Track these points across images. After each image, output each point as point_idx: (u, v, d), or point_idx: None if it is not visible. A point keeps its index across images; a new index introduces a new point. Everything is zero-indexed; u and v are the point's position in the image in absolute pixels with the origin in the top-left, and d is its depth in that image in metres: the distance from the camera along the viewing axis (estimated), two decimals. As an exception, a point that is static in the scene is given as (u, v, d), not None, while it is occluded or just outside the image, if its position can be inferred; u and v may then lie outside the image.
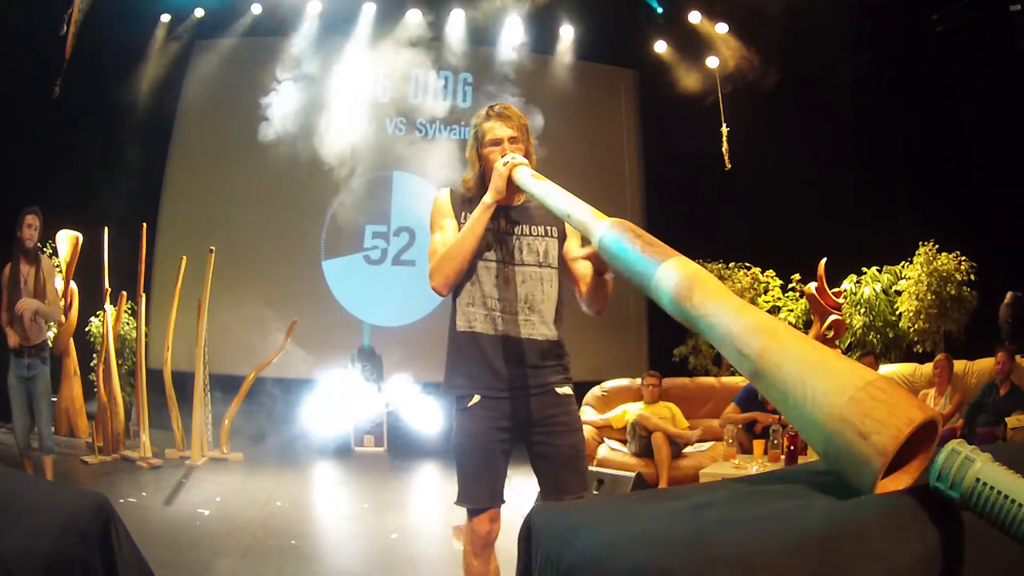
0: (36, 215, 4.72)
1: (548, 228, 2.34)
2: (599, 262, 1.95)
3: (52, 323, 5.12)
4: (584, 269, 2.28)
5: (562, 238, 2.35)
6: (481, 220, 2.20)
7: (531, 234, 2.32)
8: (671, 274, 1.50)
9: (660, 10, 9.11)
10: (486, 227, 2.23)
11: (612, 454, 5.92)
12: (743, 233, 8.22)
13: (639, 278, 1.58)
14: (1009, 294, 6.55)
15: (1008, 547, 1.07)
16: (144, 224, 6.86)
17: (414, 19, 9.06)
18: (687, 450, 5.84)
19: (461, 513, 2.31)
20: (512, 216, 2.32)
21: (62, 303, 6.02)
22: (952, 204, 6.75)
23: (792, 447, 4.64)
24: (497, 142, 2.27)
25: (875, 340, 7.35)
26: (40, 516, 1.67)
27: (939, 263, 6.95)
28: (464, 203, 2.32)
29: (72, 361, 7.15)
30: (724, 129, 8.37)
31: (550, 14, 9.12)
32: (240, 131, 8.95)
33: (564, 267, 2.35)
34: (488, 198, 2.20)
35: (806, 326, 7.07)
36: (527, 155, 2.28)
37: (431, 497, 5.96)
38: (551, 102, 8.81)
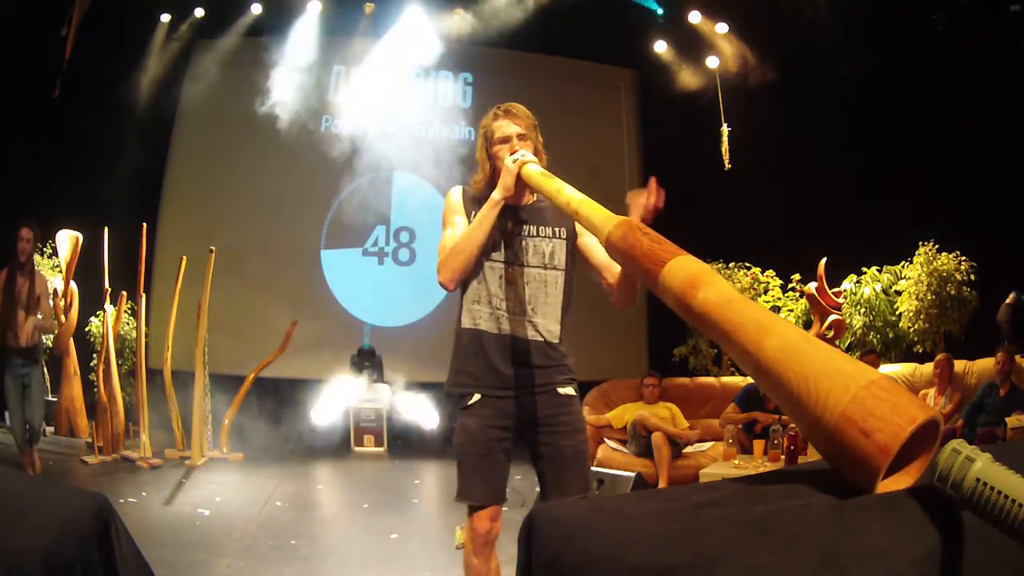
0: (31, 228, 4.98)
1: (556, 229, 2.33)
2: None
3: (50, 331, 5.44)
4: (606, 259, 2.27)
5: (572, 238, 2.35)
6: (489, 216, 2.20)
7: (538, 235, 2.32)
8: (676, 272, 1.51)
9: (660, 11, 9.11)
10: (495, 226, 2.23)
11: (612, 454, 5.92)
12: (743, 233, 8.22)
13: (645, 276, 1.59)
14: (1012, 295, 6.54)
15: (1008, 547, 1.07)
16: (144, 224, 6.86)
17: (414, 18, 9.06)
18: (687, 450, 5.84)
19: (462, 515, 2.31)
20: (521, 216, 2.32)
21: (62, 303, 6.07)
22: (952, 204, 6.75)
23: (792, 447, 4.64)
24: (506, 140, 2.29)
25: (875, 340, 7.36)
26: (40, 516, 1.66)
27: (939, 263, 6.95)
28: (474, 201, 2.33)
29: (72, 361, 7.15)
30: (724, 129, 8.37)
31: (550, 14, 9.12)
32: (240, 131, 8.97)
33: (584, 262, 2.35)
34: (496, 194, 2.20)
35: (806, 326, 7.07)
36: (536, 153, 2.29)
37: (431, 497, 5.96)
38: (551, 102, 8.81)
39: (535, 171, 2.14)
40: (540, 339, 2.28)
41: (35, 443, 5.08)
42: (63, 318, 6.10)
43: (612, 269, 2.26)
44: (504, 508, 2.30)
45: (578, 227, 2.35)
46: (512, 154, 2.23)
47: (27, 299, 4.88)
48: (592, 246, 2.33)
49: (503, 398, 2.25)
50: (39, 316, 4.98)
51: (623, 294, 2.21)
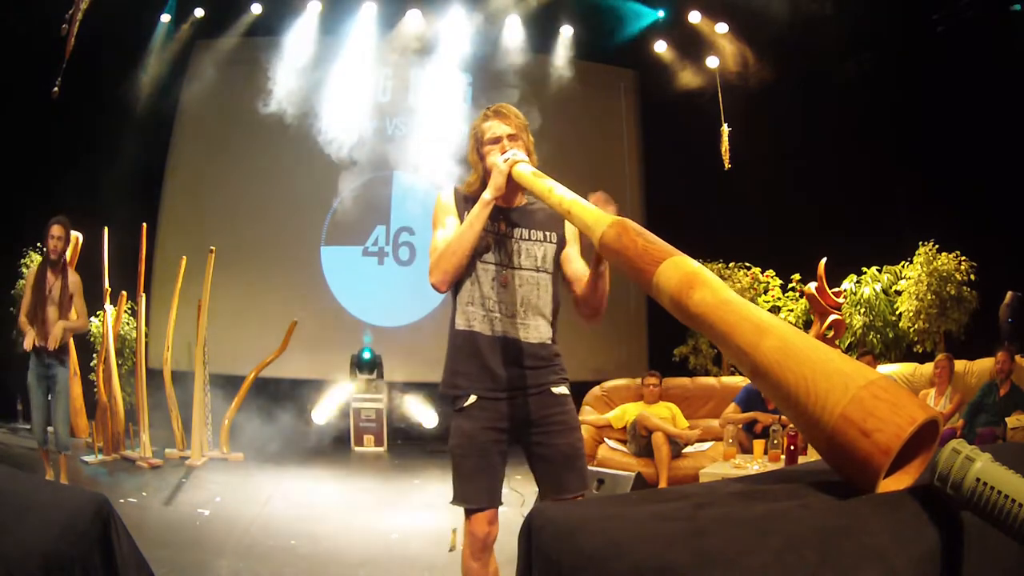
0: (62, 225, 4.85)
1: (547, 233, 2.33)
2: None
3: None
4: (580, 272, 2.29)
5: (560, 244, 2.35)
6: (480, 216, 2.19)
7: (530, 239, 2.31)
8: (671, 273, 1.50)
9: (661, 14, 9.12)
10: (486, 228, 2.22)
11: (612, 454, 5.92)
12: (743, 233, 8.22)
13: (640, 277, 1.58)
14: (1009, 294, 6.55)
15: (1008, 547, 1.07)
16: (144, 224, 6.86)
17: (414, 19, 9.06)
18: (687, 450, 5.84)
19: (461, 516, 2.30)
20: (512, 219, 2.32)
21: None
22: (952, 204, 6.75)
23: (792, 447, 4.64)
24: (496, 140, 2.27)
25: (875, 340, 7.35)
26: (40, 516, 1.66)
27: (939, 263, 6.95)
28: (466, 202, 2.31)
29: (72, 361, 7.12)
30: (724, 129, 8.36)
31: (550, 14, 9.12)
32: (240, 131, 8.96)
33: (560, 272, 2.35)
34: (487, 194, 2.19)
35: (806, 326, 7.07)
36: (527, 153, 2.27)
37: (431, 497, 5.96)
38: (551, 102, 8.81)
39: (526, 171, 2.13)
40: (533, 340, 2.28)
41: (64, 451, 4.93)
42: (90, 325, 6.08)
43: (582, 282, 2.25)
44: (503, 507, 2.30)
45: (566, 234, 2.35)
46: (502, 154, 2.22)
47: (59, 297, 4.80)
48: (571, 257, 2.34)
49: (498, 400, 2.25)
50: (73, 316, 4.89)
51: (587, 308, 2.22)
